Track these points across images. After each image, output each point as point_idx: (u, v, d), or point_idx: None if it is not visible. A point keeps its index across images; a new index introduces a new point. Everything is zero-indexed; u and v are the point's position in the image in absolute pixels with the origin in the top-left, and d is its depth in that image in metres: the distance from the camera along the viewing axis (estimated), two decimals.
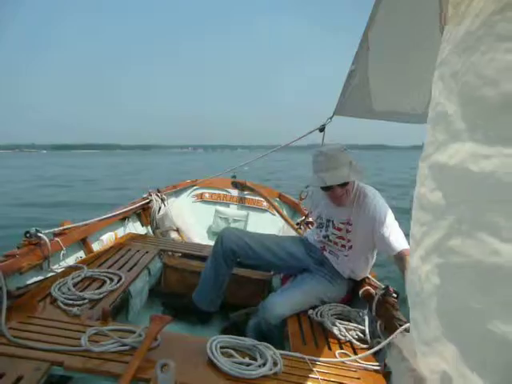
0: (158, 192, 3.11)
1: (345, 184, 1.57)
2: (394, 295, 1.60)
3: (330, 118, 2.24)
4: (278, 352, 1.22)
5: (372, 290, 1.72)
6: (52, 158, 55.88)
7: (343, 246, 1.70)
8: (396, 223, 1.58)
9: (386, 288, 1.62)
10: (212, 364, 1.13)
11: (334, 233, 1.72)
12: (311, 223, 3.20)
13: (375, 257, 1.75)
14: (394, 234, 1.53)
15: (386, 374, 1.27)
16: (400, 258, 1.47)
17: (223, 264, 1.80)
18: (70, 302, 1.41)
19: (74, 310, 1.35)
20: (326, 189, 1.61)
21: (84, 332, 1.17)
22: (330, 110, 2.19)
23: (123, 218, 2.59)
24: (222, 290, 1.84)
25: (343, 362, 1.28)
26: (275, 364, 1.17)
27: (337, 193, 1.59)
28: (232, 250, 1.78)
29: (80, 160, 48.48)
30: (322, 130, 2.28)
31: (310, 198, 2.09)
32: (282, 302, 1.55)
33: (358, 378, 1.22)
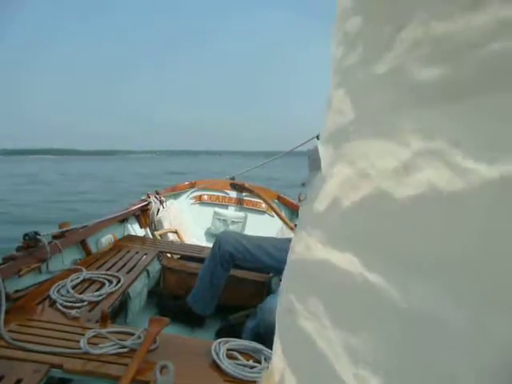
0: (157, 194, 3.11)
1: None
2: None
3: None
4: None
5: None
6: None
7: None
8: None
9: None
10: (214, 366, 1.14)
11: None
12: None
13: None
14: None
15: None
16: None
17: (220, 267, 1.80)
18: (69, 304, 1.41)
19: (73, 312, 1.35)
20: None
21: (83, 334, 1.17)
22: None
23: (122, 220, 2.59)
24: (218, 294, 1.84)
25: None
26: None
27: None
28: (230, 254, 1.78)
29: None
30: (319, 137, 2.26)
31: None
32: None
33: None
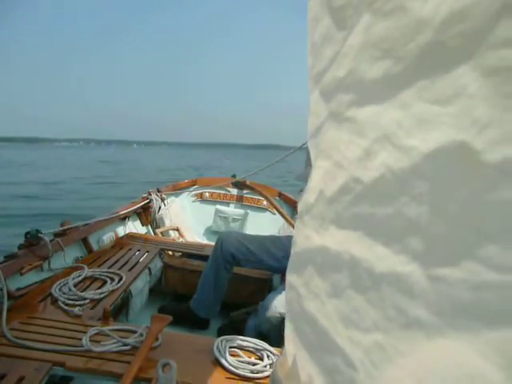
0: (158, 191, 3.11)
1: None
2: None
3: None
4: (281, 353, 1.23)
5: None
6: None
7: None
8: None
9: None
10: (216, 363, 1.14)
11: None
12: None
13: None
14: None
15: None
16: None
17: (223, 269, 1.79)
18: (71, 302, 1.41)
19: (75, 310, 1.35)
20: None
21: (85, 332, 1.17)
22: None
23: (123, 218, 2.59)
24: (222, 296, 1.83)
25: None
26: None
27: None
28: (232, 254, 1.77)
29: None
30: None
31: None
32: (282, 301, 1.55)
33: None
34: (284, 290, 1.68)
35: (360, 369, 0.32)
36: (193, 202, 3.74)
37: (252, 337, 1.32)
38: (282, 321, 1.54)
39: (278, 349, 1.25)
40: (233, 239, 1.80)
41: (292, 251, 0.52)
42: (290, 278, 0.50)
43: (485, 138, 0.21)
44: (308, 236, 0.45)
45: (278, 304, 1.54)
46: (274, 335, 1.53)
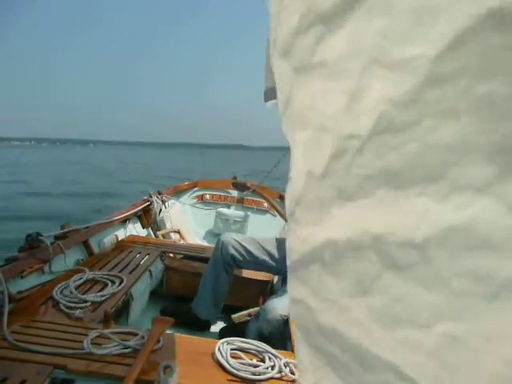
0: (159, 194, 3.11)
1: None
2: None
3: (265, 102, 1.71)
4: (283, 355, 1.22)
5: None
6: None
7: None
8: None
9: None
10: (218, 365, 1.13)
11: None
12: None
13: None
14: None
15: None
16: None
17: (223, 271, 1.78)
18: (72, 304, 1.41)
19: (77, 312, 1.35)
20: None
21: (86, 335, 1.17)
22: None
23: (124, 221, 2.59)
24: (222, 299, 1.82)
25: None
26: (285, 366, 1.16)
27: None
28: (232, 257, 1.77)
29: None
30: None
31: None
32: (284, 304, 1.55)
33: None
34: (285, 292, 1.68)
35: (424, 381, 0.22)
36: (194, 204, 3.74)
37: (254, 339, 1.32)
38: (283, 323, 1.54)
39: (280, 351, 1.24)
40: (232, 241, 1.79)
41: (288, 262, 0.44)
42: (293, 290, 0.43)
43: None
44: (305, 237, 0.38)
45: (280, 306, 1.54)
46: (275, 337, 1.53)
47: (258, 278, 2.02)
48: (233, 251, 1.76)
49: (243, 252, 1.77)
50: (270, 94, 1.47)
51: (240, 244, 1.79)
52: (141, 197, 3.00)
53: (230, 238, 1.83)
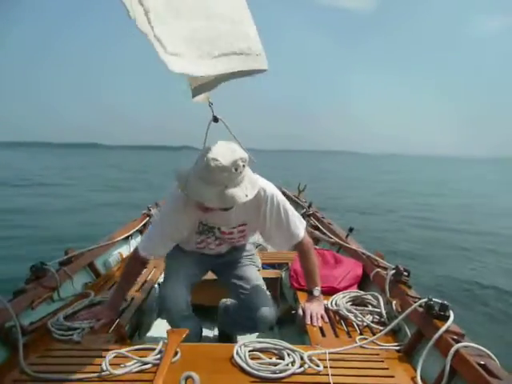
0: (157, 206, 3.10)
1: None
2: (406, 273, 1.60)
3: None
4: (302, 349, 1.22)
5: (383, 272, 1.72)
6: None
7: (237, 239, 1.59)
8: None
9: (397, 268, 1.62)
10: (239, 369, 1.14)
11: (222, 237, 1.55)
12: (312, 215, 3.20)
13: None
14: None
15: (408, 351, 1.28)
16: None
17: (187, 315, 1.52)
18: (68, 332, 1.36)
19: (75, 336, 1.32)
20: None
21: (104, 357, 1.17)
22: None
23: (126, 238, 2.59)
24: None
25: (362, 347, 1.28)
26: (303, 361, 1.17)
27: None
28: (186, 303, 1.52)
29: None
30: (216, 120, 1.49)
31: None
32: (270, 310, 1.50)
33: (382, 361, 1.22)
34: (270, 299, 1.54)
35: None
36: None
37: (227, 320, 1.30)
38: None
39: (298, 346, 1.24)
40: (173, 296, 1.48)
41: None
42: None
43: None
44: None
45: (269, 314, 1.50)
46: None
47: (266, 276, 2.02)
48: (181, 301, 1.49)
49: (186, 296, 1.54)
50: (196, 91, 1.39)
51: (181, 293, 1.51)
52: None
53: (171, 293, 1.49)
